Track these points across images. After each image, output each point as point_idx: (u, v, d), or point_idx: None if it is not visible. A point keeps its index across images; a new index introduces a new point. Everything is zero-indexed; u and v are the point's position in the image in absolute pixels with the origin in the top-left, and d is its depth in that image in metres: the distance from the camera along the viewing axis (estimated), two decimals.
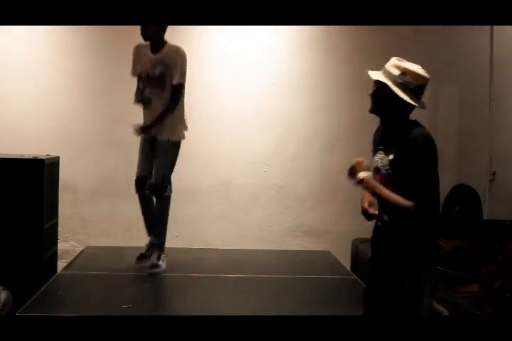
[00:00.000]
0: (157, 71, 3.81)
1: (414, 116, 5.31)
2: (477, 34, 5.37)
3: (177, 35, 5.07)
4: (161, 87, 3.83)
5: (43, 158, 3.99)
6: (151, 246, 3.82)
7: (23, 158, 3.97)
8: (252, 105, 5.22)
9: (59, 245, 4.57)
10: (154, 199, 3.97)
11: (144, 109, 4.00)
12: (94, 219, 5.17)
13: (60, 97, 5.13)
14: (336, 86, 5.31)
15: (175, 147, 3.96)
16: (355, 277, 4.01)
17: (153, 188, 3.92)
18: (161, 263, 3.72)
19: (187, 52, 5.12)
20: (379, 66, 5.45)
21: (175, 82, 3.79)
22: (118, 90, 5.14)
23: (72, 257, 4.47)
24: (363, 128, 5.32)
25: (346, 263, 4.51)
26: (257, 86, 5.23)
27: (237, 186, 5.17)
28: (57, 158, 4.38)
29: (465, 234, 3.93)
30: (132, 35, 5.06)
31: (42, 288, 3.49)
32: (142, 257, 3.79)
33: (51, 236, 4.25)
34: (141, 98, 3.95)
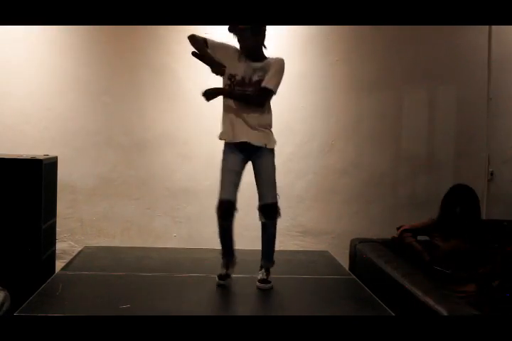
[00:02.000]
0: (255, 77, 3.56)
1: (412, 117, 5.34)
2: (475, 34, 5.38)
3: (175, 35, 5.09)
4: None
5: (41, 158, 3.99)
6: (264, 269, 3.68)
7: (21, 158, 3.96)
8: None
9: (57, 245, 4.57)
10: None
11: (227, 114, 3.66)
12: (93, 219, 5.17)
13: (58, 97, 5.13)
14: (334, 86, 5.31)
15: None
16: (354, 277, 4.00)
17: (270, 210, 3.69)
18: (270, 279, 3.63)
19: (183, 53, 5.14)
20: (376, 66, 5.52)
21: (269, 86, 3.56)
22: (116, 90, 5.16)
23: (71, 257, 4.46)
24: (361, 128, 5.35)
25: (345, 263, 4.50)
26: None
27: None
28: (56, 158, 4.37)
29: (463, 233, 3.93)
30: (130, 35, 5.10)
31: (40, 288, 3.48)
32: (226, 277, 3.63)
33: (49, 237, 4.24)
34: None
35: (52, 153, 4.38)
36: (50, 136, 5.10)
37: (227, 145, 3.63)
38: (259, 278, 3.59)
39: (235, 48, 3.62)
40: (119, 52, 5.16)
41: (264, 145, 3.59)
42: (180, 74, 5.16)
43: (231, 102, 3.57)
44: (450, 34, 5.33)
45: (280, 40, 5.24)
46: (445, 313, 2.87)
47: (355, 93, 5.34)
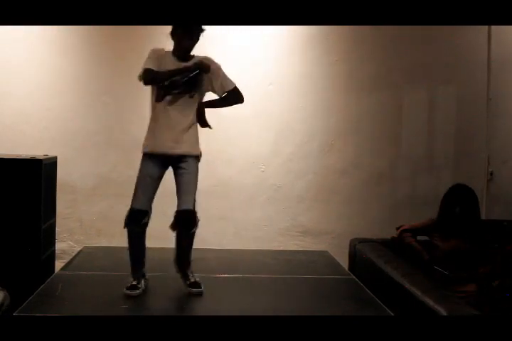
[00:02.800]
0: (184, 78, 3.43)
1: (412, 117, 5.34)
2: (475, 34, 5.38)
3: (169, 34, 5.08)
4: (190, 95, 3.48)
5: (41, 158, 3.99)
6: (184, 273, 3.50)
7: (21, 158, 3.96)
8: (250, 105, 5.17)
9: (57, 245, 4.57)
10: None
11: (156, 120, 3.53)
12: (93, 219, 5.17)
13: (57, 97, 5.13)
14: (334, 86, 5.31)
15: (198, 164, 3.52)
16: (354, 277, 4.00)
17: (186, 219, 3.37)
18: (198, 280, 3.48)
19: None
20: (376, 66, 5.51)
21: (229, 88, 3.58)
22: (116, 90, 5.16)
23: (70, 257, 4.46)
24: (361, 128, 5.36)
25: (344, 263, 4.50)
26: (255, 86, 5.23)
27: (235, 186, 5.17)
28: (55, 158, 4.37)
29: (462, 233, 3.93)
30: (130, 35, 5.09)
31: (39, 288, 3.48)
32: (135, 288, 3.42)
33: (49, 237, 4.24)
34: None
35: (51, 153, 4.37)
36: (50, 136, 5.09)
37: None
38: (188, 282, 3.43)
39: (164, 51, 3.55)
40: (119, 53, 5.16)
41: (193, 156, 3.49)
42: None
43: (163, 107, 3.47)
44: (450, 34, 5.33)
45: (280, 41, 5.25)
46: (445, 313, 2.87)
47: (355, 93, 5.34)
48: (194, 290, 3.39)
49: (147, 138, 3.56)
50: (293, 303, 3.42)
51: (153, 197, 3.49)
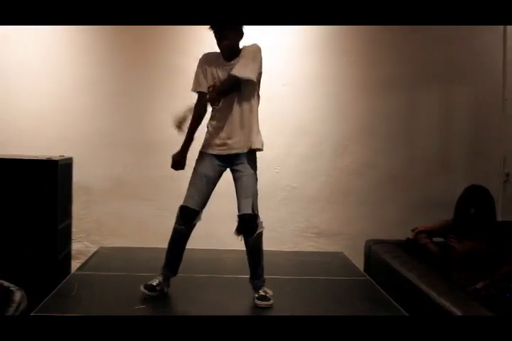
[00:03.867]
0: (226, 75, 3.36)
1: (427, 118, 5.31)
2: (490, 34, 5.35)
3: (187, 35, 5.11)
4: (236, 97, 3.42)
5: (57, 159, 4.01)
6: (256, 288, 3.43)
7: (37, 159, 3.99)
8: (264, 106, 5.20)
9: (73, 246, 4.60)
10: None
11: (212, 120, 3.50)
12: (108, 219, 5.19)
13: (73, 98, 5.16)
14: (348, 87, 5.30)
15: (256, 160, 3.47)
16: (369, 278, 4.00)
17: (248, 223, 3.32)
18: (269, 295, 3.38)
19: (197, 53, 5.14)
20: (390, 67, 5.50)
21: (234, 73, 3.35)
22: (131, 91, 5.18)
23: (86, 258, 4.49)
24: (375, 129, 5.34)
25: (359, 264, 4.50)
26: (269, 87, 5.22)
27: None
28: (71, 159, 4.40)
29: (478, 235, 3.91)
30: (146, 35, 5.12)
31: (56, 289, 3.50)
32: (152, 289, 3.40)
33: (65, 237, 4.27)
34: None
35: (67, 154, 4.40)
36: (66, 137, 5.12)
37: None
38: (256, 295, 3.35)
39: (215, 55, 3.47)
40: (133, 53, 5.18)
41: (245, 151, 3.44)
42: (193, 74, 5.16)
43: (220, 111, 3.44)
44: (465, 34, 5.30)
45: (294, 41, 5.25)
46: (460, 315, 2.86)
47: (370, 94, 5.33)
48: (260, 303, 3.30)
49: (205, 137, 3.54)
50: (308, 304, 3.42)
51: (207, 198, 3.45)
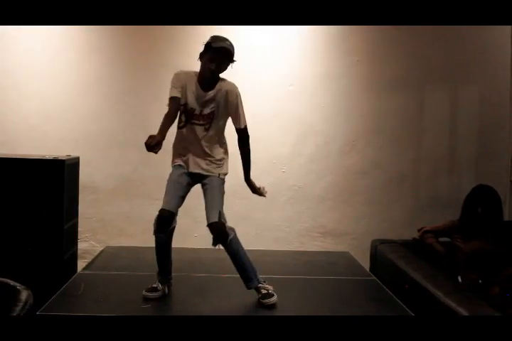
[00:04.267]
0: (207, 110, 3.44)
1: (434, 117, 5.29)
2: (498, 33, 5.34)
3: (192, 35, 5.11)
4: (206, 126, 3.47)
5: (64, 158, 4.02)
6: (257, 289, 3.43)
7: (44, 158, 3.99)
8: (271, 106, 5.23)
9: (79, 245, 4.61)
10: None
11: (179, 144, 3.59)
12: (114, 219, 5.20)
13: (80, 98, 5.17)
14: (355, 86, 5.30)
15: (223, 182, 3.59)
16: (375, 278, 3.99)
17: (217, 231, 3.35)
18: (271, 291, 3.39)
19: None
20: (397, 66, 5.48)
21: (241, 126, 3.49)
22: (138, 91, 5.19)
23: (92, 257, 4.50)
24: (382, 129, 5.33)
25: (365, 264, 4.49)
26: (276, 87, 5.23)
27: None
28: (78, 158, 4.41)
29: (485, 234, 3.90)
30: (153, 35, 5.12)
31: (62, 288, 3.52)
32: (154, 290, 3.46)
33: (71, 236, 4.28)
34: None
35: (74, 154, 4.41)
36: (73, 136, 5.14)
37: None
38: (260, 295, 3.37)
39: (188, 75, 3.49)
40: (140, 53, 5.19)
41: (216, 175, 3.52)
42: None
43: (185, 132, 3.49)
44: (472, 34, 5.29)
45: (301, 41, 5.25)
46: (466, 315, 2.85)
47: (376, 93, 5.32)
48: (264, 301, 3.33)
49: (174, 157, 3.63)
50: (314, 304, 3.42)
51: (181, 202, 3.49)
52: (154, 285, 3.46)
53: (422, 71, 5.33)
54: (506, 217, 4.81)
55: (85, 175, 4.72)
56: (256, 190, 3.73)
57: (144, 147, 3.18)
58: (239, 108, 3.47)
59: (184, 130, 3.50)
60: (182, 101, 3.45)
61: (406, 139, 5.36)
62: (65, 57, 5.15)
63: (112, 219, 5.20)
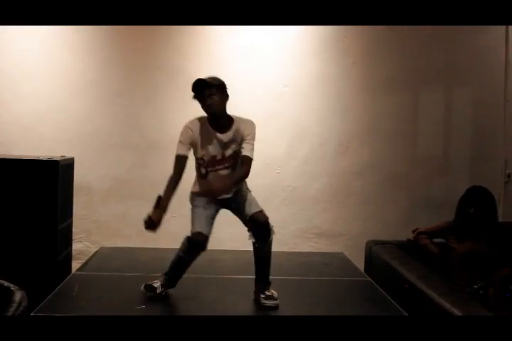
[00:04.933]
0: (229, 151, 3.39)
1: (428, 119, 5.30)
2: (492, 35, 5.35)
3: (187, 36, 5.12)
4: (232, 167, 3.43)
5: (58, 159, 4.01)
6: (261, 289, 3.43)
7: (38, 159, 3.99)
8: (265, 107, 5.23)
9: (73, 246, 4.60)
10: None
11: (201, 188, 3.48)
12: (109, 220, 5.19)
13: (74, 99, 5.16)
14: (349, 88, 5.30)
15: None
16: (369, 279, 4.00)
17: (263, 223, 3.31)
18: (275, 296, 3.39)
19: (199, 55, 5.14)
20: (392, 67, 5.49)
21: (250, 155, 3.38)
22: (133, 92, 5.18)
23: (87, 258, 4.49)
24: (377, 130, 5.34)
25: (360, 264, 4.50)
26: (270, 88, 5.24)
27: (251, 187, 5.12)
28: (72, 159, 4.40)
29: (478, 236, 3.91)
30: (147, 36, 5.12)
31: (56, 289, 3.51)
32: (152, 289, 3.44)
33: (66, 237, 4.27)
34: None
35: (69, 155, 4.40)
36: (67, 137, 5.13)
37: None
38: (263, 296, 3.37)
39: (199, 123, 3.40)
40: (135, 54, 5.18)
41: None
42: (195, 75, 5.16)
43: (209, 178, 3.41)
44: (467, 35, 5.30)
45: (296, 42, 5.25)
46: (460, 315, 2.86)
47: (371, 95, 5.33)
48: (268, 302, 3.33)
49: (196, 187, 3.53)
50: (308, 304, 3.42)
51: (211, 227, 3.43)
52: (155, 285, 3.44)
53: (416, 72, 5.34)
54: (500, 218, 4.83)
55: (80, 175, 4.71)
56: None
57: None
58: (252, 137, 3.39)
59: (207, 178, 3.40)
60: (198, 155, 3.38)
61: (401, 140, 5.37)
62: (59, 58, 5.14)
63: (106, 220, 5.20)
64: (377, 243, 4.46)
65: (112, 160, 5.19)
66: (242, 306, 3.37)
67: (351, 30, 5.23)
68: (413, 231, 4.20)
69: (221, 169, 3.38)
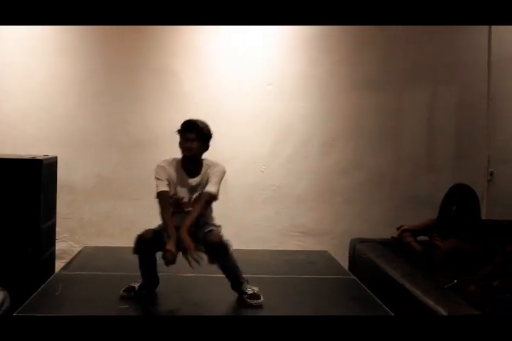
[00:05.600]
0: (196, 195, 3.40)
1: (413, 117, 5.32)
2: (475, 34, 5.38)
3: (175, 35, 5.10)
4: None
5: (41, 158, 3.99)
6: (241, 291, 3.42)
7: (21, 158, 3.96)
8: (249, 105, 5.23)
9: (57, 245, 4.57)
10: None
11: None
12: (93, 219, 5.17)
13: (57, 97, 5.13)
14: (333, 86, 5.31)
15: None
16: (354, 277, 4.00)
17: (218, 247, 3.27)
18: (257, 291, 3.40)
19: (184, 54, 5.13)
20: (376, 66, 5.51)
21: (214, 191, 3.36)
22: (115, 90, 5.16)
23: (70, 257, 4.47)
24: (361, 129, 5.35)
25: (344, 263, 4.51)
26: (254, 86, 5.23)
27: (235, 186, 5.17)
28: (55, 158, 4.37)
29: (462, 233, 3.93)
30: (130, 35, 5.10)
31: (40, 288, 3.49)
32: (130, 290, 3.43)
33: (49, 237, 4.25)
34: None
35: (52, 154, 4.37)
36: (50, 136, 5.09)
37: None
38: (246, 296, 3.38)
39: (172, 164, 3.42)
40: (119, 53, 5.16)
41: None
42: (179, 74, 5.17)
43: (175, 219, 3.36)
44: (450, 34, 5.33)
45: (280, 40, 5.25)
46: (445, 314, 2.87)
47: (356, 93, 5.34)
48: (252, 301, 3.34)
49: None
50: (293, 303, 3.42)
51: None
52: (133, 284, 3.45)
53: (401, 71, 5.36)
54: (484, 216, 4.87)
55: (64, 174, 4.68)
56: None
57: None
58: (219, 177, 3.38)
59: (174, 217, 3.38)
60: (171, 192, 3.39)
61: (385, 139, 5.39)
62: (41, 56, 5.10)
63: (90, 219, 5.17)
64: (361, 241, 4.47)
65: (96, 159, 5.16)
66: (225, 305, 3.37)
67: (336, 29, 5.24)
68: (397, 229, 4.22)
69: (186, 212, 3.37)
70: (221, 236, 3.32)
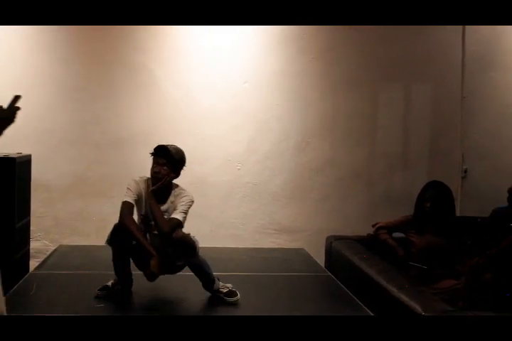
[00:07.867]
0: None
1: (387, 115, 5.35)
2: (449, 33, 5.42)
3: (151, 33, 5.08)
4: None
5: (14, 156, 3.94)
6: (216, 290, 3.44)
7: None
8: (225, 103, 5.22)
9: (31, 244, 4.53)
10: None
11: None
12: (68, 218, 5.12)
13: (31, 95, 5.05)
14: (309, 84, 5.32)
15: None
16: (330, 274, 4.03)
17: (182, 243, 3.31)
18: (231, 287, 3.43)
19: (159, 52, 5.11)
20: (351, 64, 5.53)
21: (175, 216, 3.34)
22: (91, 89, 5.12)
23: (45, 256, 4.43)
24: (337, 126, 5.38)
25: (320, 260, 4.53)
26: (230, 84, 5.22)
27: (211, 184, 5.17)
28: (29, 156, 4.33)
29: (436, 229, 3.97)
30: (106, 33, 5.06)
31: (14, 288, 3.46)
32: (105, 288, 3.44)
33: (23, 236, 4.20)
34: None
35: (25, 152, 4.32)
36: (24, 134, 5.02)
37: None
38: (221, 294, 3.40)
39: (145, 184, 3.43)
40: (95, 51, 5.11)
41: None
42: (155, 72, 5.14)
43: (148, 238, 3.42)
44: (424, 33, 5.36)
45: (256, 39, 5.25)
46: (420, 309, 2.89)
47: (331, 91, 5.36)
48: (230, 299, 3.36)
49: None
50: (269, 300, 3.43)
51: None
52: (108, 283, 3.44)
53: (376, 69, 5.39)
54: (458, 213, 4.92)
55: (38, 173, 4.64)
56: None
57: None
58: (187, 206, 3.39)
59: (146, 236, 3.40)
60: (142, 212, 3.42)
61: (360, 136, 5.42)
62: (15, 54, 5.03)
63: (65, 218, 5.12)
64: (337, 238, 4.49)
65: (70, 157, 5.11)
66: (201, 304, 3.37)
67: (311, 28, 5.25)
68: (373, 226, 4.24)
69: (155, 234, 3.39)
70: (187, 234, 3.34)
